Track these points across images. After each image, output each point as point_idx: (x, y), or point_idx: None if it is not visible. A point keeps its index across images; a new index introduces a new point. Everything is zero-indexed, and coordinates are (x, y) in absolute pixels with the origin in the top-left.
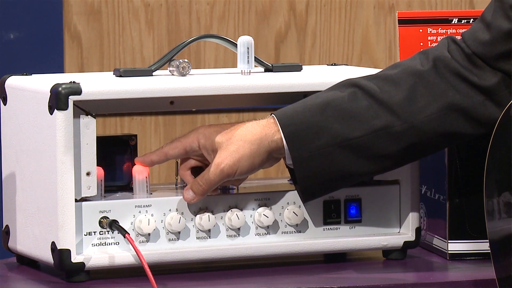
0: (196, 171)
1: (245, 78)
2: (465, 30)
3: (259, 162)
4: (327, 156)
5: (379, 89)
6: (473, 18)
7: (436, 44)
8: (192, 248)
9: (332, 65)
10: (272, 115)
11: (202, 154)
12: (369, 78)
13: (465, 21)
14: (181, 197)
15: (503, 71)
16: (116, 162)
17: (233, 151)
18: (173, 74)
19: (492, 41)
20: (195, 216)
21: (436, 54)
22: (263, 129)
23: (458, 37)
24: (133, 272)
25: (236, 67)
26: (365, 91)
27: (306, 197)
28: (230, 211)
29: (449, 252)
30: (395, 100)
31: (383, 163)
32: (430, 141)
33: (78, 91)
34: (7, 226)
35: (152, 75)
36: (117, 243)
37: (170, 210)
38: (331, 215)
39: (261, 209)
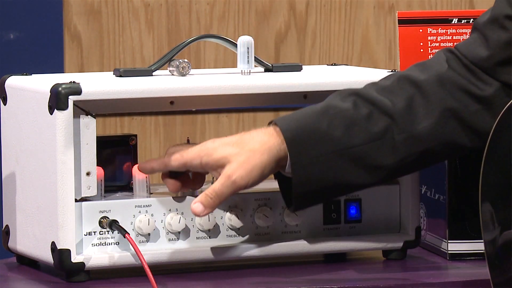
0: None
1: (245, 78)
2: (458, 43)
3: (268, 172)
4: (326, 163)
5: (379, 97)
6: (473, 18)
7: (432, 55)
8: (192, 248)
9: (332, 65)
10: (274, 122)
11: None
12: (368, 87)
13: (465, 21)
14: (181, 197)
15: (502, 81)
16: (116, 162)
17: (244, 162)
18: (173, 74)
19: (492, 55)
20: (195, 216)
21: (433, 64)
22: (270, 138)
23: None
24: (133, 272)
25: (236, 67)
26: (364, 99)
27: (298, 204)
28: (230, 211)
29: (449, 252)
30: (395, 109)
31: (380, 174)
32: (429, 151)
33: (78, 91)
34: (7, 226)
35: (152, 75)
36: (117, 243)
37: (170, 210)
38: (331, 215)
39: (261, 209)
